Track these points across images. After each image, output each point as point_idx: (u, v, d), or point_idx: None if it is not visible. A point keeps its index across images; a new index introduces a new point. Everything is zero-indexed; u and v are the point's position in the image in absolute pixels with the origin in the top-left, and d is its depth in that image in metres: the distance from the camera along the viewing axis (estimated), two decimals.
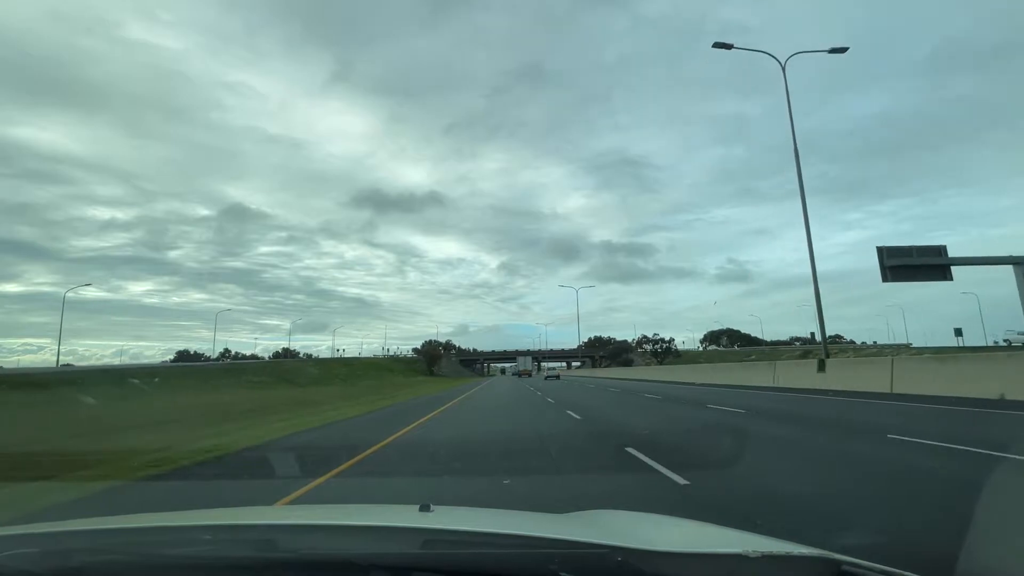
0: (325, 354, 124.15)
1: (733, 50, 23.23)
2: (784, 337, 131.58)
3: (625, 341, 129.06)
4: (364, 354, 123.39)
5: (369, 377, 75.51)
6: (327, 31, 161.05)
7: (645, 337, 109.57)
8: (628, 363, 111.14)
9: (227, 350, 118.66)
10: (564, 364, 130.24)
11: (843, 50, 22.97)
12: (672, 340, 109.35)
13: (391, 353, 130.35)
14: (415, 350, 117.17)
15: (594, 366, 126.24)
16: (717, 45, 23.07)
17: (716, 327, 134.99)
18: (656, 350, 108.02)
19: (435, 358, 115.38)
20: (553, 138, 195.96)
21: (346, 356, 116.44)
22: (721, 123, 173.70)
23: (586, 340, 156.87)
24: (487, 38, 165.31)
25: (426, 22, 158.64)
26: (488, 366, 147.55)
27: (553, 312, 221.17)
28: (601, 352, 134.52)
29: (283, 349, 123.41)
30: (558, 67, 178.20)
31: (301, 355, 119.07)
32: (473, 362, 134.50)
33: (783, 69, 22.98)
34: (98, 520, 1.48)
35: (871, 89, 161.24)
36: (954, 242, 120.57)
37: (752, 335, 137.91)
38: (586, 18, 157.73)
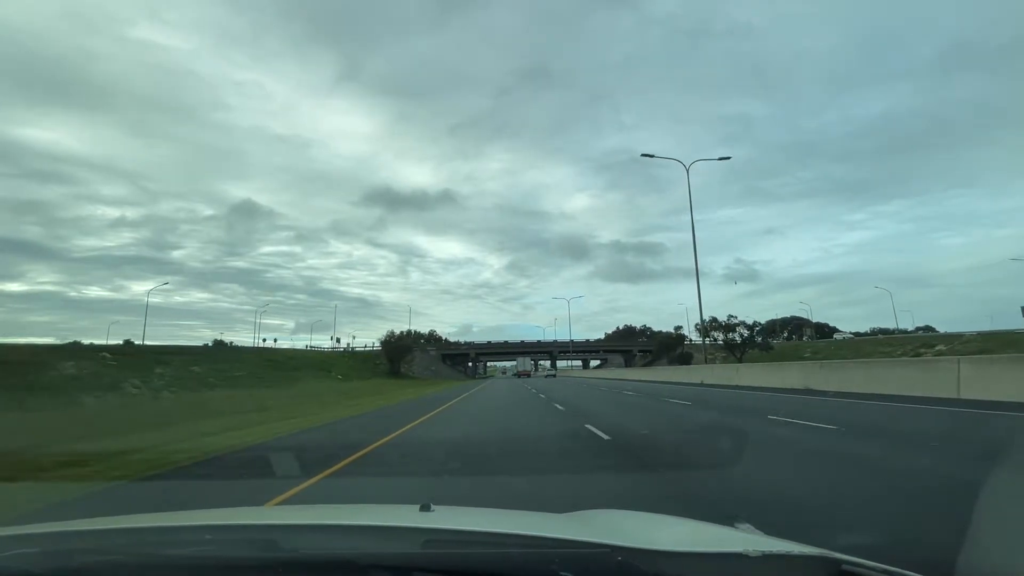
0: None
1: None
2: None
3: (679, 331, 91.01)
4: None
5: (274, 382, 45.45)
6: (335, 31, 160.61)
7: (714, 321, 72.07)
8: (686, 360, 76.91)
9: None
10: (577, 363, 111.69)
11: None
12: (757, 325, 72.00)
13: (353, 348, 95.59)
14: (383, 342, 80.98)
15: (627, 363, 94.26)
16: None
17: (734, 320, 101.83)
18: (732, 340, 70.90)
19: (401, 353, 79.27)
20: (558, 138, 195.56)
21: (281, 348, 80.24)
22: (726, 123, 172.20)
23: (614, 330, 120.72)
24: (493, 38, 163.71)
25: (434, 22, 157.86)
26: (484, 365, 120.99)
27: (555, 313, 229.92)
28: (640, 345, 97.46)
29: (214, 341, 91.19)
30: (564, 67, 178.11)
31: (229, 344, 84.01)
32: (460, 358, 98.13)
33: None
34: (98, 520, 1.47)
35: (876, 89, 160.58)
36: (957, 243, 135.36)
37: (828, 325, 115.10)
38: (592, 18, 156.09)
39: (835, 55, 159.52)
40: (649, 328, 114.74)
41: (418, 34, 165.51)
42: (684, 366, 57.65)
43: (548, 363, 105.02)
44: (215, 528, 1.40)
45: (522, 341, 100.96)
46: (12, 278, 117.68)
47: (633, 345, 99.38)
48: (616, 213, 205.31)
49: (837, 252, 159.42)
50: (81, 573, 1.13)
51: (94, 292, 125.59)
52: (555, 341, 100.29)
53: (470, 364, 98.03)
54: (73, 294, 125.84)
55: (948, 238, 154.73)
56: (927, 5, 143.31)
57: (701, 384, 27.63)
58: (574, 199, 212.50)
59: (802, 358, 49.73)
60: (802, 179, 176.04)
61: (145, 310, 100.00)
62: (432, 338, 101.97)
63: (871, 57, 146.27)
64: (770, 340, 70.86)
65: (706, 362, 76.31)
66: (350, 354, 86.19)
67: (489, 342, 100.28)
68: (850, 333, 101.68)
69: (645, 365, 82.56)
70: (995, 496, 3.35)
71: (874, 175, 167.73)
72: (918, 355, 49.31)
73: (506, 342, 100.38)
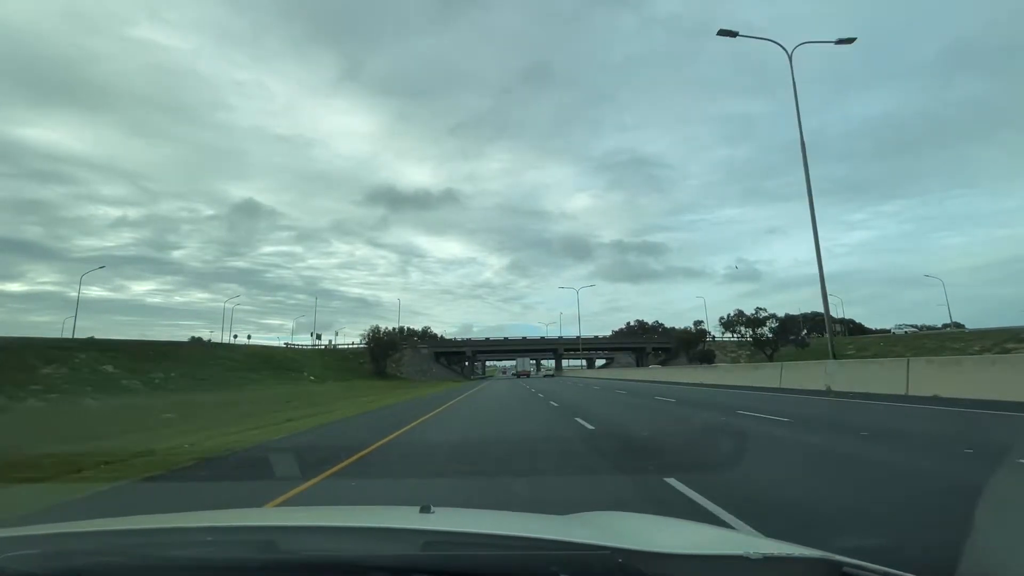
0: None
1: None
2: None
3: (699, 326, 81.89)
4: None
5: (217, 385, 38.20)
6: (335, 30, 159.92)
7: (740, 315, 63.20)
8: (708, 358, 68.67)
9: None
10: (578, 362, 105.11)
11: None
12: (787, 317, 63.16)
13: (335, 345, 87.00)
14: (367, 339, 72.18)
15: (639, 362, 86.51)
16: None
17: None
18: (762, 336, 61.97)
19: (387, 351, 70.62)
20: (559, 138, 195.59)
21: (251, 345, 71.25)
22: (728, 122, 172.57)
23: (624, 326, 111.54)
24: (495, 37, 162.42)
25: (435, 21, 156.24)
26: (482, 364, 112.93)
27: (556, 313, 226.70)
28: (654, 342, 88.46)
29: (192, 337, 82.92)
30: (565, 67, 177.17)
31: (194, 340, 75.39)
32: (456, 356, 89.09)
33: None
34: (99, 522, 1.47)
35: (878, 89, 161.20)
36: (959, 243, 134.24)
37: (854, 321, 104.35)
38: (593, 17, 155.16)
39: (836, 55, 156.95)
40: (661, 324, 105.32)
41: (419, 34, 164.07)
42: (707, 365, 48.71)
43: (552, 363, 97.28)
44: (215, 529, 1.41)
45: (524, 338, 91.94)
46: (12, 278, 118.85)
47: (646, 342, 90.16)
48: (617, 213, 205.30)
49: (838, 252, 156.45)
50: (81, 574, 1.12)
51: (94, 292, 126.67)
52: (560, 338, 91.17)
53: (467, 363, 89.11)
54: (73, 294, 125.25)
55: (949, 238, 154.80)
56: (928, 5, 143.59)
57: (771, 389, 18.29)
58: (575, 199, 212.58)
59: (847, 356, 40.87)
60: (803, 179, 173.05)
61: (78, 294, 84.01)
62: (425, 335, 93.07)
63: (872, 57, 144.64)
64: (804, 336, 61.26)
65: (734, 359, 65.91)
66: (332, 352, 77.54)
67: (488, 339, 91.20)
68: (882, 332, 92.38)
69: (661, 363, 73.81)
70: (996, 496, 3.32)
71: (875, 175, 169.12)
72: (1005, 351, 41.07)
73: (506, 339, 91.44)
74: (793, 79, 22.17)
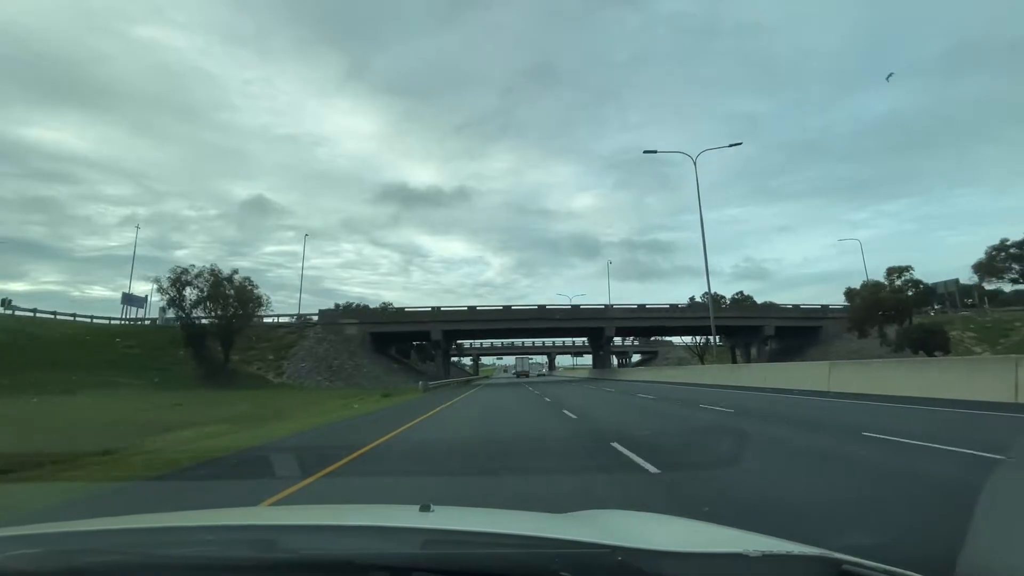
0: None
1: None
2: None
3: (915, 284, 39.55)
4: None
5: None
6: (341, 30, 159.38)
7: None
8: (942, 343, 29.03)
9: None
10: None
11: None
12: None
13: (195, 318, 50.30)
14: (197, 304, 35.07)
15: (735, 358, 56.75)
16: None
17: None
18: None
19: (239, 329, 33.50)
20: (564, 137, 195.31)
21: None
22: (733, 121, 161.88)
23: (688, 301, 68.87)
24: (499, 36, 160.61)
25: (440, 21, 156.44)
26: (475, 360, 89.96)
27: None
28: (782, 316, 48.21)
29: None
30: (570, 65, 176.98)
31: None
32: (416, 343, 52.10)
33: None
34: (99, 521, 1.45)
35: (882, 87, 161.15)
36: (961, 242, 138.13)
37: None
38: (599, 16, 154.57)
39: (842, 53, 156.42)
40: (741, 294, 64.01)
41: (424, 33, 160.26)
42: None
43: (611, 357, 64.23)
44: (215, 528, 1.40)
45: (542, 307, 53.11)
46: (16, 278, 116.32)
47: (764, 317, 50.15)
48: (623, 212, 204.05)
49: (840, 250, 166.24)
50: (82, 573, 1.12)
51: (97, 292, 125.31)
52: (609, 306, 52.18)
53: (445, 356, 52.05)
54: (76, 294, 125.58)
55: (952, 237, 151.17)
56: (934, 3, 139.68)
57: None
58: (580, 198, 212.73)
59: None
60: (808, 177, 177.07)
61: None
62: (359, 309, 53.31)
63: (877, 55, 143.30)
64: None
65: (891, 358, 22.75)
66: (155, 330, 41.55)
67: (472, 308, 51.46)
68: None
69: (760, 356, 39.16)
70: (997, 495, 3.08)
71: (879, 173, 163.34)
72: None
73: (508, 307, 52.84)
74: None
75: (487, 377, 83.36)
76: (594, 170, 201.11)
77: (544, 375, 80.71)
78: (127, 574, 1.13)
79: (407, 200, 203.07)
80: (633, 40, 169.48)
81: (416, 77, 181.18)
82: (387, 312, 52.40)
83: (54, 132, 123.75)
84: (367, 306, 54.83)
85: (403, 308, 52.04)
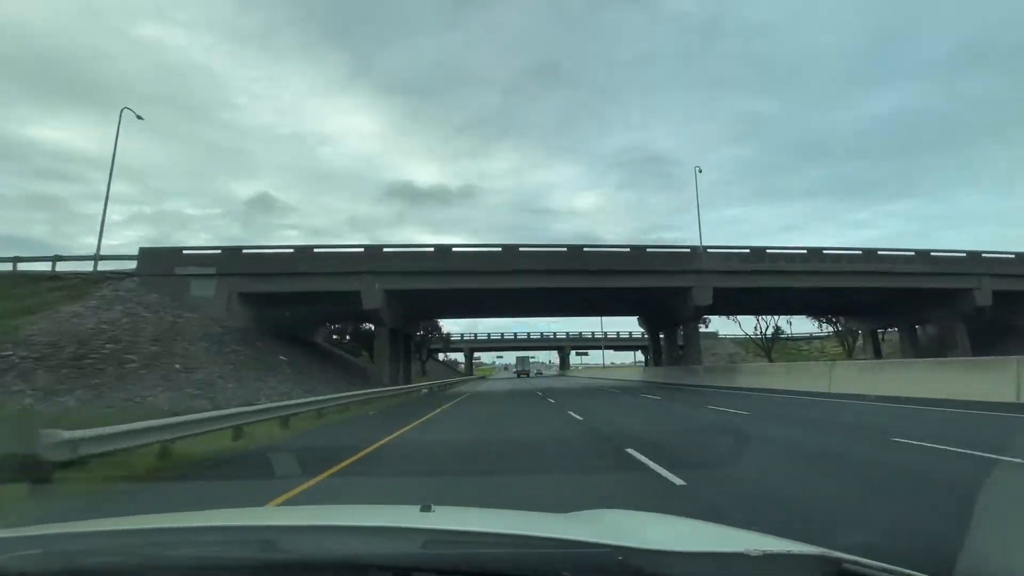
0: None
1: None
2: None
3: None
4: None
5: None
6: (345, 30, 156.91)
7: None
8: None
9: None
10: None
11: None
12: None
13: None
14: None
15: (849, 352, 44.05)
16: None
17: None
18: None
19: None
20: (567, 136, 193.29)
21: None
22: (737, 121, 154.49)
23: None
24: (503, 36, 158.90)
25: (444, 20, 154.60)
26: (468, 358, 78.49)
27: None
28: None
29: None
30: (574, 65, 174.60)
31: None
32: (323, 310, 29.16)
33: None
34: (101, 522, 1.44)
35: (886, 88, 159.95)
36: (961, 242, 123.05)
37: None
38: (602, 16, 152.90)
39: (846, 54, 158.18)
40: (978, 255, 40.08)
41: (428, 33, 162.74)
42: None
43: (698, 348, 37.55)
44: (216, 529, 1.39)
45: (574, 247, 28.76)
46: None
47: (973, 275, 27.93)
48: (626, 211, 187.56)
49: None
50: (82, 574, 1.12)
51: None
52: (702, 249, 28.73)
53: (441, 355, 48.39)
54: None
55: (956, 237, 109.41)
56: (938, 4, 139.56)
57: None
58: (583, 197, 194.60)
59: None
60: (813, 177, 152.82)
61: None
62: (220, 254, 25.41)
63: (882, 56, 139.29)
64: None
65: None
66: None
67: (442, 248, 26.18)
68: None
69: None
70: (997, 495, 3.18)
71: (883, 173, 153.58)
72: None
73: (511, 247, 26.70)
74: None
75: (484, 378, 66.29)
76: (597, 169, 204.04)
77: (544, 375, 72.31)
78: (128, 575, 1.13)
79: (411, 199, 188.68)
80: (637, 40, 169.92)
81: (420, 77, 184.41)
82: (269, 256, 25.27)
83: (58, 131, 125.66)
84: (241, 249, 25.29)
85: (310, 247, 25.42)
